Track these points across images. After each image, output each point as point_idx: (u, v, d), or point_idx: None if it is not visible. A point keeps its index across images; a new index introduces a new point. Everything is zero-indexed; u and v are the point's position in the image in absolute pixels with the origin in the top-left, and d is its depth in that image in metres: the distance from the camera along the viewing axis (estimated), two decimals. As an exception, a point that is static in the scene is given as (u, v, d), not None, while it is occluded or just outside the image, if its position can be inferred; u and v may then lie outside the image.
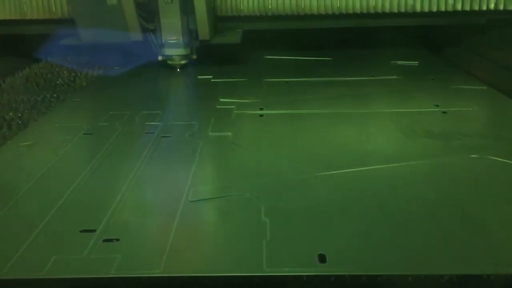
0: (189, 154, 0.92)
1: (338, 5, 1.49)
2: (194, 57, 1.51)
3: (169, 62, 1.50)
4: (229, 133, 1.01)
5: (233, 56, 1.65)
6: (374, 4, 1.49)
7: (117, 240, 0.65)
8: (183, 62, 1.50)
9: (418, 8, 1.48)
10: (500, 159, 0.87)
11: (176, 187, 0.79)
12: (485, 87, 1.29)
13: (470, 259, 0.60)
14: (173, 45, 1.45)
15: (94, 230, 0.67)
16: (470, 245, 0.63)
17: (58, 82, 1.44)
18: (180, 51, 1.47)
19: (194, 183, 0.80)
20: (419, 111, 1.12)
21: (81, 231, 0.67)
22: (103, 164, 0.88)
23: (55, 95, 1.31)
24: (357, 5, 1.49)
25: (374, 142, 0.96)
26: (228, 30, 1.56)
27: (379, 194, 0.76)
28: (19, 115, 1.16)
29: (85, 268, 0.59)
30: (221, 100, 1.22)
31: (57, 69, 1.57)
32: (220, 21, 1.55)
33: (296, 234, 0.66)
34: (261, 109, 1.16)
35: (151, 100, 1.26)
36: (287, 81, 1.40)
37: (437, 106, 1.15)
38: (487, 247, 0.62)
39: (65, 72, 1.54)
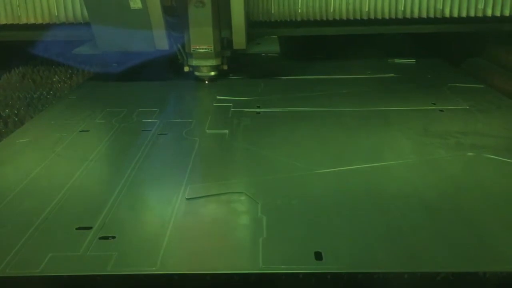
0: (186, 152, 0.92)
1: (367, 9, 1.38)
2: (225, 67, 1.35)
3: (196, 73, 1.34)
4: (226, 131, 1.01)
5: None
6: (402, 9, 1.37)
7: (113, 237, 0.65)
8: (212, 73, 1.34)
9: (447, 13, 1.37)
10: (496, 157, 0.87)
11: (172, 184, 0.79)
12: (482, 86, 1.30)
13: (466, 256, 0.60)
14: (203, 55, 1.29)
15: (90, 228, 0.66)
16: (466, 243, 0.63)
17: (54, 79, 1.43)
18: (211, 61, 1.31)
19: (191, 181, 0.80)
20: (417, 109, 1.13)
21: (77, 229, 0.67)
22: (100, 162, 0.88)
23: (51, 92, 1.31)
24: (386, 10, 1.38)
25: (370, 140, 0.96)
26: (259, 37, 1.41)
27: (375, 192, 0.76)
28: (16, 112, 1.15)
29: (81, 265, 0.59)
30: (218, 97, 1.22)
31: (53, 66, 1.56)
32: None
33: (292, 231, 0.66)
34: (258, 106, 1.16)
35: (148, 97, 1.26)
36: (285, 79, 1.40)
37: (434, 104, 1.15)
38: (483, 245, 0.63)
39: (61, 69, 1.53)
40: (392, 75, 1.43)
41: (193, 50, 1.28)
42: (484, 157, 0.87)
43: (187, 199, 0.74)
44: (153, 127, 1.03)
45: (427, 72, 1.45)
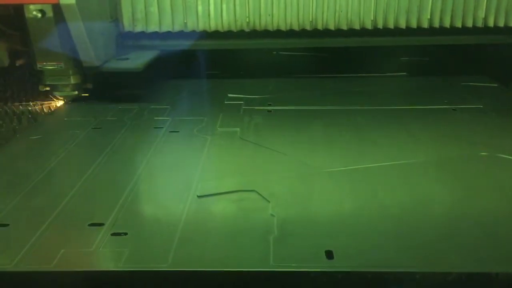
0: (197, 150, 0.92)
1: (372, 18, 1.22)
2: (89, 86, 1.19)
3: (55, 93, 1.18)
4: (238, 129, 1.01)
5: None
6: (454, 20, 1.22)
7: (125, 234, 0.65)
8: (74, 93, 1.17)
9: (491, 23, 1.22)
10: (510, 157, 0.86)
11: (184, 182, 0.79)
12: (496, 85, 1.28)
13: (478, 257, 0.60)
14: (54, 73, 1.12)
15: (102, 224, 0.67)
16: (478, 243, 0.62)
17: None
18: (68, 79, 1.14)
19: (202, 179, 0.80)
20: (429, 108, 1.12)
21: (89, 225, 0.67)
22: (112, 159, 0.89)
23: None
24: (413, 21, 1.23)
25: (382, 139, 0.96)
26: (140, 50, 1.25)
27: (387, 191, 0.76)
28: (29, 108, 1.16)
29: (93, 262, 0.60)
30: (230, 95, 1.22)
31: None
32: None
33: (303, 230, 0.66)
34: (270, 104, 1.15)
35: (159, 94, 1.26)
36: (296, 77, 1.40)
37: (447, 103, 1.15)
38: (495, 245, 0.62)
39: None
40: (404, 73, 1.42)
41: (39, 67, 1.11)
42: (497, 157, 0.87)
43: (198, 196, 0.74)
44: (164, 125, 1.03)
45: (439, 71, 1.43)
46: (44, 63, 1.10)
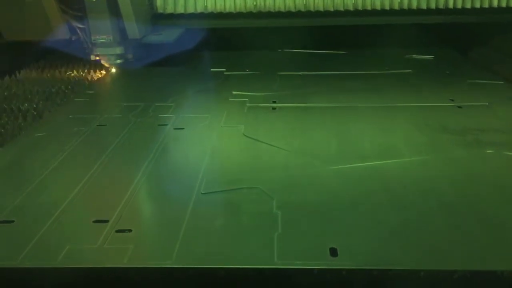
0: (201, 147, 0.92)
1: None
2: (130, 56, 1.44)
3: (103, 62, 1.44)
4: (242, 126, 1.01)
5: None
6: (420, 3, 1.43)
7: (130, 230, 0.65)
8: (118, 61, 1.43)
9: (450, 5, 1.42)
10: (516, 155, 0.86)
11: (188, 179, 0.79)
12: (502, 82, 1.28)
13: (483, 255, 0.60)
14: (103, 44, 1.38)
15: (107, 221, 0.67)
16: (484, 241, 0.62)
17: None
18: (113, 50, 1.39)
19: (206, 176, 0.80)
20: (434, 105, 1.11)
21: (94, 222, 0.67)
22: (116, 156, 0.89)
23: (69, 86, 1.32)
24: (386, 2, 1.43)
25: (387, 137, 0.95)
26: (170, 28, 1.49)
27: (391, 189, 0.75)
28: (34, 106, 1.17)
29: (98, 258, 0.60)
30: (234, 93, 1.22)
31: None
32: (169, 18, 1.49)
33: (307, 227, 0.65)
34: (274, 102, 1.15)
35: (164, 92, 1.26)
36: (301, 75, 1.39)
37: (452, 100, 1.14)
38: (501, 243, 0.62)
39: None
40: (410, 71, 1.41)
41: (93, 40, 1.37)
42: (503, 155, 0.86)
43: (202, 193, 0.75)
44: (169, 122, 1.03)
45: (445, 68, 1.43)
46: (97, 37, 1.36)
